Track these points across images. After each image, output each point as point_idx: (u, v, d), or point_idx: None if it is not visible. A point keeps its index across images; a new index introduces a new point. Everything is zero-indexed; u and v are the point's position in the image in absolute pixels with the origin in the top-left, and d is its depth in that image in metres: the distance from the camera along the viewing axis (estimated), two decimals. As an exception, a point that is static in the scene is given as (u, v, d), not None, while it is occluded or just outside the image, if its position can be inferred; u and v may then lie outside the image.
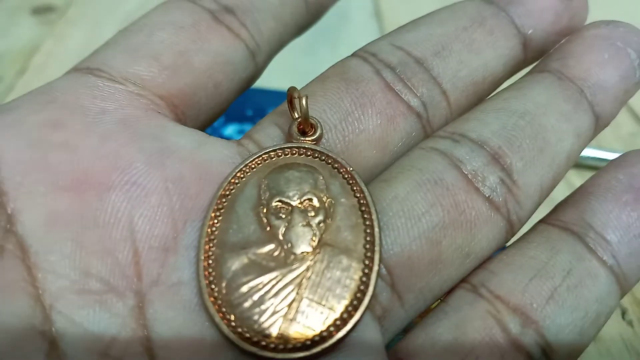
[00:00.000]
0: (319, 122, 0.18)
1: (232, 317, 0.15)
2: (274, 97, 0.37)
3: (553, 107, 0.19)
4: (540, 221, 0.19)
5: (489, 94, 0.21)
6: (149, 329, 0.15)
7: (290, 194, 0.17)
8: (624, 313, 0.28)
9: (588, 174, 0.34)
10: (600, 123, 0.20)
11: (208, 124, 0.21)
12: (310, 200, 0.17)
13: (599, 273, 0.17)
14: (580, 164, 0.36)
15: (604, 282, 0.17)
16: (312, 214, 0.16)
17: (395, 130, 0.19)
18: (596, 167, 0.35)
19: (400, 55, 0.20)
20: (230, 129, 0.35)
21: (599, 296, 0.17)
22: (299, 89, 0.19)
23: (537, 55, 0.22)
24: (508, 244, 0.19)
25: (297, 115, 0.18)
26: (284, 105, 0.19)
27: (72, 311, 0.15)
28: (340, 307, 0.15)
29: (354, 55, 0.20)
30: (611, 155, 0.35)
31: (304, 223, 0.16)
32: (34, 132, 0.17)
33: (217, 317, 0.15)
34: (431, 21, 0.21)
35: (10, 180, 0.16)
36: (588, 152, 0.35)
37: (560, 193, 0.20)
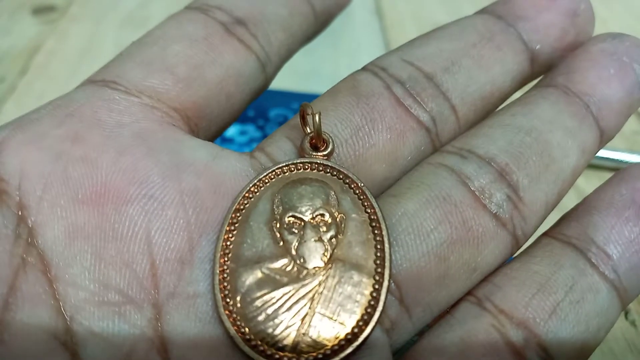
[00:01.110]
0: (331, 137, 0.18)
1: (247, 330, 0.16)
2: (275, 97, 0.37)
3: (559, 123, 0.19)
4: (544, 234, 0.20)
5: (497, 108, 0.21)
6: (166, 340, 0.16)
7: (303, 209, 0.17)
8: (626, 313, 0.28)
9: (591, 173, 0.35)
10: (604, 137, 0.20)
11: (219, 134, 0.21)
12: (322, 215, 0.17)
13: (600, 288, 0.17)
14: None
15: (605, 296, 0.17)
16: (324, 229, 0.17)
17: (404, 144, 0.19)
18: (599, 166, 0.35)
19: (410, 71, 0.20)
20: (232, 130, 0.36)
21: (600, 310, 0.17)
22: (304, 92, 0.19)
23: (544, 69, 0.22)
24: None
25: (309, 131, 0.19)
26: (296, 119, 0.19)
27: (92, 322, 0.15)
28: (351, 322, 0.16)
29: (364, 69, 0.21)
30: (614, 154, 0.35)
31: (316, 238, 0.17)
32: (55, 146, 0.17)
33: (232, 330, 0.16)
34: (441, 36, 0.21)
35: (31, 194, 0.16)
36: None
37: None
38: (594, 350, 0.18)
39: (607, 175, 0.36)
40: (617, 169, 0.35)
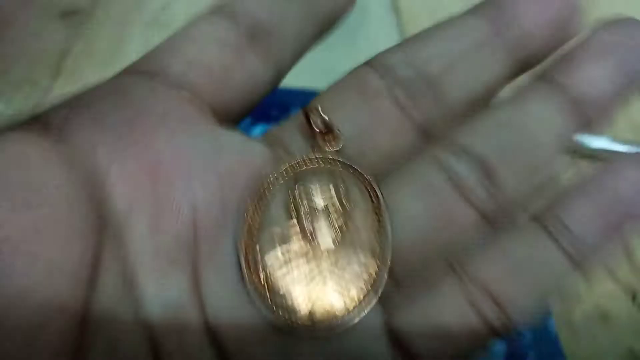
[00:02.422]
0: (341, 133, 0.21)
1: (269, 302, 0.19)
2: (296, 96, 0.38)
3: (550, 123, 0.20)
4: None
5: (491, 100, 0.22)
6: (205, 306, 0.18)
7: (318, 198, 0.20)
8: (634, 296, 0.29)
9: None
10: (590, 131, 0.21)
11: None
12: (335, 204, 0.20)
13: (560, 260, 0.19)
14: (595, 156, 0.35)
15: (563, 268, 0.19)
16: (336, 216, 0.20)
17: (403, 145, 0.21)
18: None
19: (412, 72, 0.21)
20: (258, 129, 0.38)
21: (557, 278, 0.19)
22: (318, 92, 0.21)
23: (539, 61, 0.22)
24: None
25: (317, 129, 0.21)
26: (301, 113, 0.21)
27: (149, 284, 0.18)
28: (359, 295, 0.19)
29: (370, 66, 0.22)
30: (621, 147, 0.36)
31: (329, 224, 0.20)
32: (116, 128, 0.19)
33: (258, 301, 0.19)
34: (442, 36, 0.22)
35: (101, 168, 0.18)
36: (601, 143, 0.36)
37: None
38: (552, 311, 0.19)
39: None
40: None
